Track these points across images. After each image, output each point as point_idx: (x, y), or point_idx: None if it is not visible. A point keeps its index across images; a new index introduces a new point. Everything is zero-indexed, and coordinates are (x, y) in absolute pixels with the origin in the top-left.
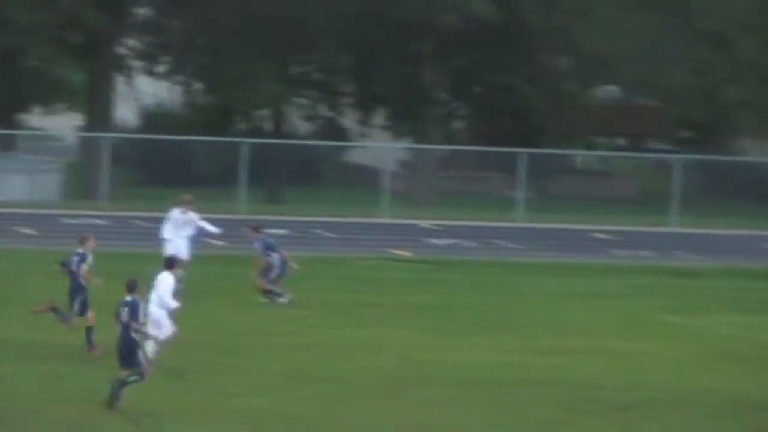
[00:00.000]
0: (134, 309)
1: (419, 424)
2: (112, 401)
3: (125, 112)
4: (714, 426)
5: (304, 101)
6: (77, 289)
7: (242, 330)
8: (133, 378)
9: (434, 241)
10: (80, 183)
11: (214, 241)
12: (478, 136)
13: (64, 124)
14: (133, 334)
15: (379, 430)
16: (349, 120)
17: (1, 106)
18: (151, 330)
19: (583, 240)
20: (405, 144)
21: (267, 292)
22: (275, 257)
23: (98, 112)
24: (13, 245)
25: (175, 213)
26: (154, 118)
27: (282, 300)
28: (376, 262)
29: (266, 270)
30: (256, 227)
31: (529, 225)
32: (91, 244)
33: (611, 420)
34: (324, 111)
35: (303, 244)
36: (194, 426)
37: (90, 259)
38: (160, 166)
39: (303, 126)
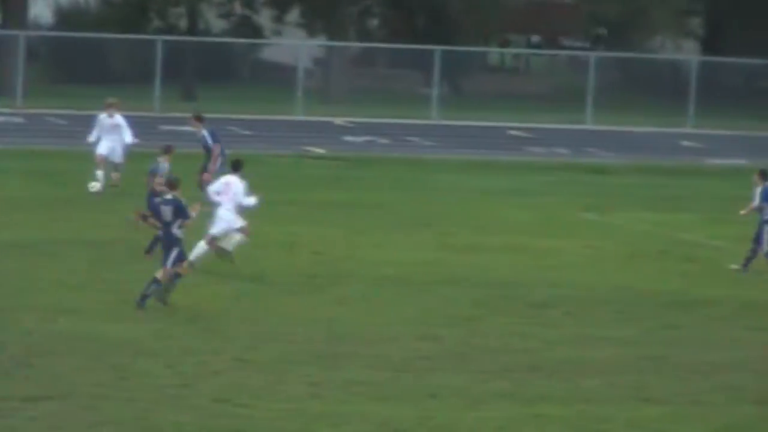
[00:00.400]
0: (179, 207)
1: (334, 321)
2: (165, 297)
3: (40, 9)
4: (628, 323)
5: None
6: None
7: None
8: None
9: (349, 138)
10: None
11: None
12: (392, 34)
13: None
14: (176, 232)
15: (294, 327)
16: (263, 17)
17: None
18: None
19: (498, 137)
20: (319, 41)
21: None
22: (219, 149)
23: (12, 9)
24: None
25: (102, 117)
26: (69, 16)
27: None
28: (291, 159)
29: (213, 164)
30: (199, 116)
31: (444, 122)
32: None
33: (527, 317)
34: (239, 8)
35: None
36: (110, 322)
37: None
38: (74, 64)
39: (218, 24)
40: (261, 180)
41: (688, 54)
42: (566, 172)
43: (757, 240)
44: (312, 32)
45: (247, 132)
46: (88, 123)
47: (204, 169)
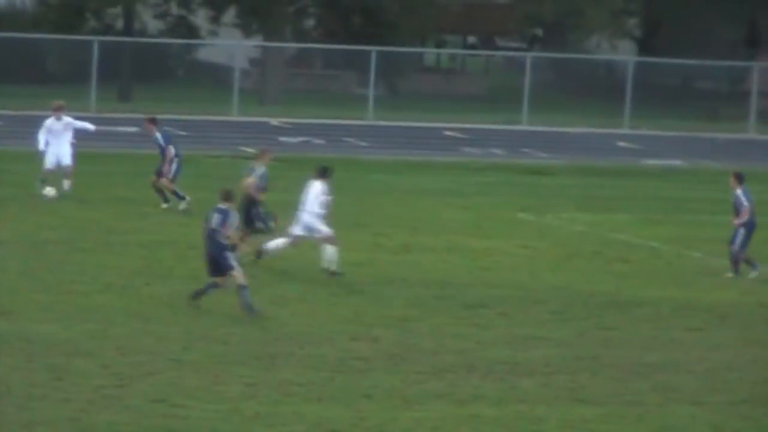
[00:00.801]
0: (225, 216)
1: (269, 321)
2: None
3: None
4: (563, 323)
5: None
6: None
7: (95, 227)
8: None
9: (284, 138)
10: None
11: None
12: (328, 34)
13: None
14: (221, 240)
15: (229, 328)
16: (199, 18)
17: None
18: (298, 232)
19: (434, 138)
20: (255, 42)
21: (172, 193)
22: (173, 150)
23: None
24: None
25: (50, 121)
26: (4, 16)
27: (184, 205)
28: (226, 159)
29: (167, 166)
30: (153, 119)
31: (380, 123)
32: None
33: (461, 317)
34: (175, 9)
35: (151, 142)
36: (45, 323)
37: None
38: (10, 64)
39: (154, 24)
40: (196, 180)
41: (625, 54)
42: (502, 172)
43: (732, 241)
44: (248, 33)
45: (183, 132)
46: (24, 123)
47: (159, 172)
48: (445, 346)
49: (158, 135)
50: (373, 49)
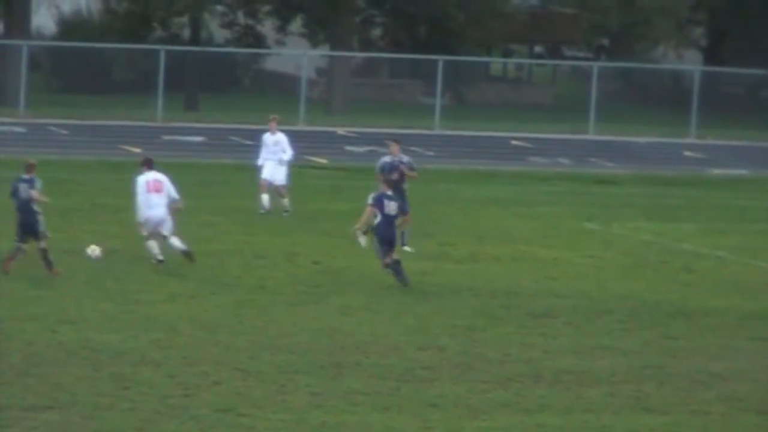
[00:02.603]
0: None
1: (335, 331)
2: (403, 281)
3: (43, 19)
4: (629, 333)
5: (221, 8)
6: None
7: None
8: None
9: (351, 148)
10: None
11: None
12: (395, 43)
13: None
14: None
15: (295, 337)
16: (266, 27)
17: None
18: None
19: (500, 147)
20: (322, 51)
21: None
22: None
23: (16, 19)
24: None
25: (266, 136)
26: (72, 25)
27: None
28: (293, 169)
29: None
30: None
31: (446, 132)
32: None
33: (528, 327)
34: (242, 18)
35: (220, 152)
36: (111, 332)
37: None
38: (77, 74)
39: (221, 33)
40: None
41: (691, 64)
42: (568, 182)
43: None
44: (315, 42)
45: (249, 142)
46: (90, 132)
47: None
48: (512, 355)
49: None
50: (440, 58)
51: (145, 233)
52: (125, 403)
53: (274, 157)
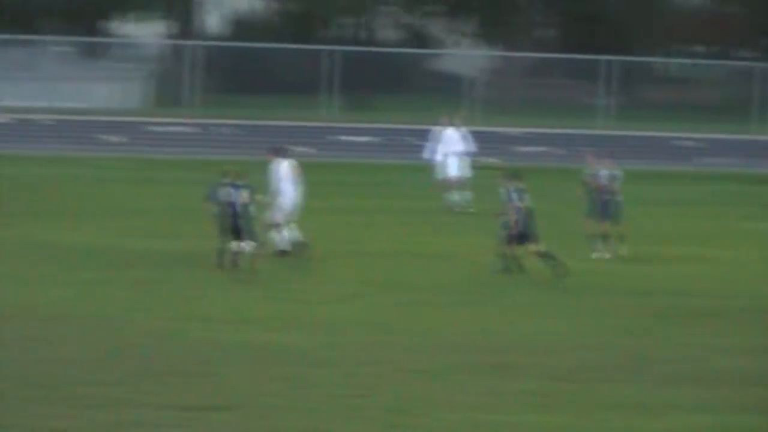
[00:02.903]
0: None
1: (506, 331)
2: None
3: (214, 20)
4: None
5: (391, 9)
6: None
7: (326, 238)
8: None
9: (524, 148)
10: (165, 90)
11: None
12: (564, 44)
13: (149, 32)
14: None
15: (467, 337)
16: (436, 27)
17: (87, 14)
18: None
19: (667, 148)
20: (494, 51)
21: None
22: None
23: (186, 20)
24: (98, 153)
25: (449, 131)
26: (240, 26)
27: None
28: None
29: None
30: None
31: (614, 132)
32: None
33: (696, 327)
34: (411, 18)
35: (389, 152)
36: (279, 333)
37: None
38: (247, 74)
39: (390, 34)
40: (432, 190)
41: None
42: (734, 182)
43: None
44: (485, 42)
45: (419, 142)
46: (261, 133)
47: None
48: (681, 355)
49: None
50: (609, 58)
51: (278, 221)
52: (298, 404)
53: (457, 151)
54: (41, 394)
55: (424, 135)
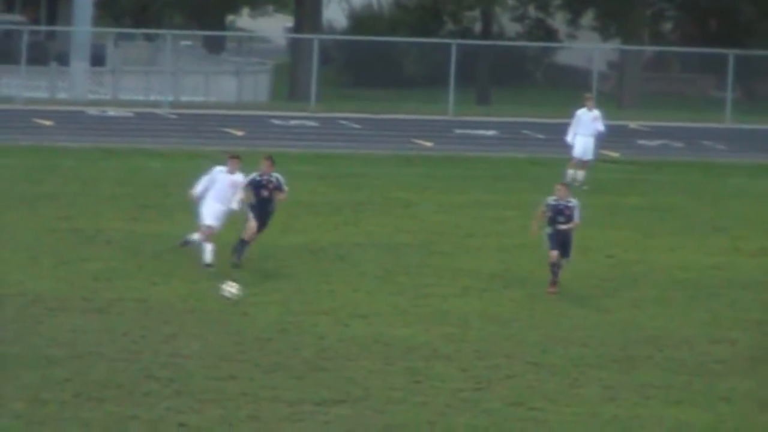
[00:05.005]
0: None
1: (628, 324)
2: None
3: (334, 14)
4: None
5: (512, 2)
6: None
7: (453, 231)
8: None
9: (642, 142)
10: (288, 84)
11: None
12: (685, 37)
13: (272, 26)
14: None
15: (588, 331)
16: (557, 20)
17: (211, 9)
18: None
19: None
20: (613, 45)
21: None
22: None
23: (307, 14)
24: (222, 146)
25: (581, 112)
26: (362, 20)
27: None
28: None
29: None
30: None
31: (737, 126)
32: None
33: None
34: (533, 12)
35: (512, 145)
36: (403, 326)
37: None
38: (367, 68)
39: (512, 27)
40: (553, 183)
41: None
42: None
43: None
44: (606, 35)
45: (540, 135)
46: (381, 126)
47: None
48: None
49: None
50: (731, 52)
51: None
52: (417, 397)
53: (587, 132)
54: (169, 389)
55: (544, 129)
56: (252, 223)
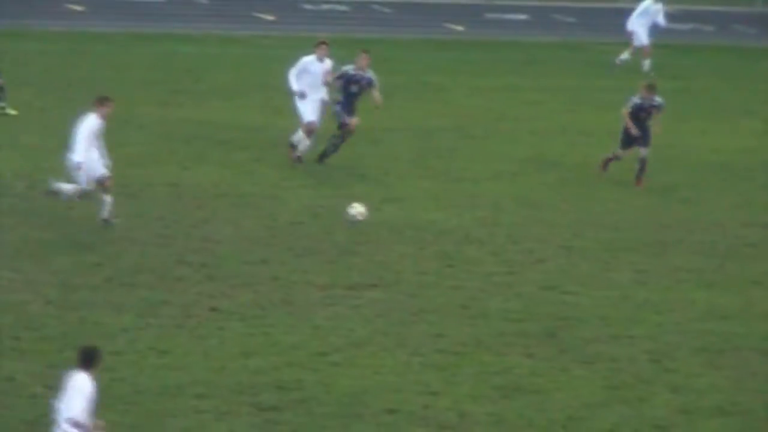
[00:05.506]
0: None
1: (660, 208)
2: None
3: None
4: None
5: None
6: None
7: (484, 115)
8: None
9: (673, 26)
10: None
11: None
12: None
13: None
14: None
15: (620, 215)
16: None
17: None
18: None
19: None
20: None
21: None
22: None
23: None
24: (252, 31)
25: (648, 3)
26: None
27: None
28: (615, 47)
29: None
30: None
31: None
32: None
33: None
34: None
35: (542, 29)
36: (435, 210)
37: None
38: None
39: None
40: (586, 67)
41: None
42: None
43: None
44: None
45: (571, 19)
46: (414, 11)
47: None
48: None
49: None
50: None
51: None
52: (449, 281)
53: (644, 22)
54: (200, 273)
55: (574, 12)
56: (353, 120)
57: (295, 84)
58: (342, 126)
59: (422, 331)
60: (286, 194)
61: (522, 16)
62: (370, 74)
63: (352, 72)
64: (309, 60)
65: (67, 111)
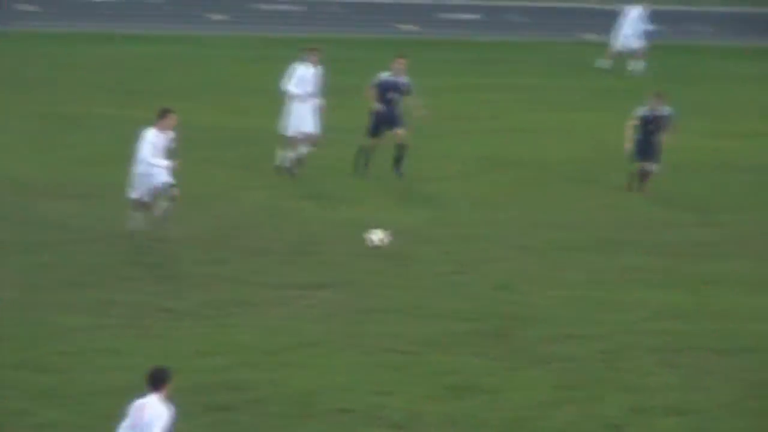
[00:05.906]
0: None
1: (612, 208)
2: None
3: None
4: None
5: None
6: None
7: (436, 115)
8: None
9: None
10: None
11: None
12: None
13: None
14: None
15: (572, 214)
16: None
17: None
18: None
19: None
20: None
21: None
22: None
23: None
24: (205, 31)
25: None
26: None
27: None
28: (568, 47)
29: None
30: None
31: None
32: None
33: None
34: None
35: (496, 28)
36: (388, 210)
37: None
38: None
39: None
40: (539, 67)
41: None
42: None
43: None
44: None
45: (525, 19)
46: (365, 10)
47: None
48: None
49: None
50: None
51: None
52: (401, 281)
53: (634, 27)
54: (152, 273)
55: (527, 12)
56: (399, 131)
57: (295, 89)
58: (371, 135)
59: (374, 331)
60: (238, 194)
61: (475, 16)
62: (407, 79)
63: (388, 78)
64: (302, 67)
65: (22, 111)
